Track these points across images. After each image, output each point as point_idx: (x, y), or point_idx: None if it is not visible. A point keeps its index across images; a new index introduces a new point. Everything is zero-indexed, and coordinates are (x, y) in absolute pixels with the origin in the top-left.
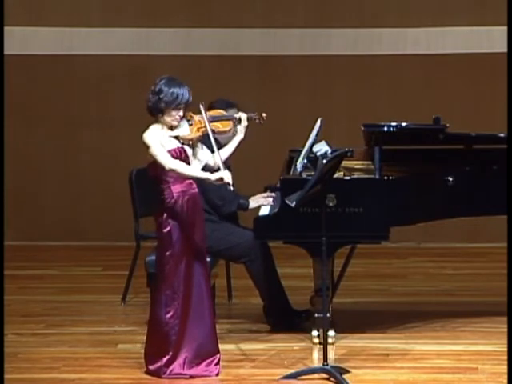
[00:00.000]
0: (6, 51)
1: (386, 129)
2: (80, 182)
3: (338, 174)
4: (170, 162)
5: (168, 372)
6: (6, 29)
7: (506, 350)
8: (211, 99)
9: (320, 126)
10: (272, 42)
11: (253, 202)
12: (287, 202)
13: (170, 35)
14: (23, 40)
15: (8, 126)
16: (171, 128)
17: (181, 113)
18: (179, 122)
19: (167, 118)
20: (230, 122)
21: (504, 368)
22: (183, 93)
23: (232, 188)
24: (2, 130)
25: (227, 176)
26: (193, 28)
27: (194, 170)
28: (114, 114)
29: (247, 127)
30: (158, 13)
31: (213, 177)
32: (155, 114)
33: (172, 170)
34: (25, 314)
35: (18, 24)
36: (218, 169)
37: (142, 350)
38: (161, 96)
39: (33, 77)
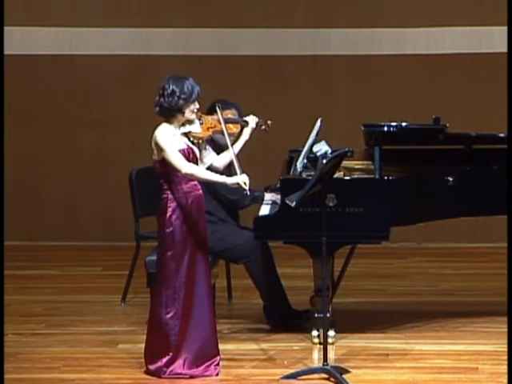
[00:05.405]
0: (6, 51)
1: (386, 129)
2: (80, 181)
3: (338, 174)
4: (185, 166)
5: (168, 372)
6: (6, 29)
7: (506, 350)
8: (211, 99)
9: (320, 126)
10: (272, 42)
11: (268, 195)
12: (287, 202)
13: (170, 35)
14: (23, 40)
15: (8, 126)
16: (183, 125)
17: (197, 105)
18: (196, 114)
19: (187, 114)
20: (238, 125)
21: (504, 368)
22: (194, 84)
23: (248, 193)
24: (2, 130)
25: (244, 180)
26: (193, 28)
27: (210, 173)
28: (113, 114)
29: (254, 130)
30: (158, 13)
31: (229, 180)
32: (174, 113)
33: (188, 174)
34: (25, 314)
35: (17, 24)
36: (229, 171)
37: (143, 350)
38: (178, 94)
39: (33, 77)
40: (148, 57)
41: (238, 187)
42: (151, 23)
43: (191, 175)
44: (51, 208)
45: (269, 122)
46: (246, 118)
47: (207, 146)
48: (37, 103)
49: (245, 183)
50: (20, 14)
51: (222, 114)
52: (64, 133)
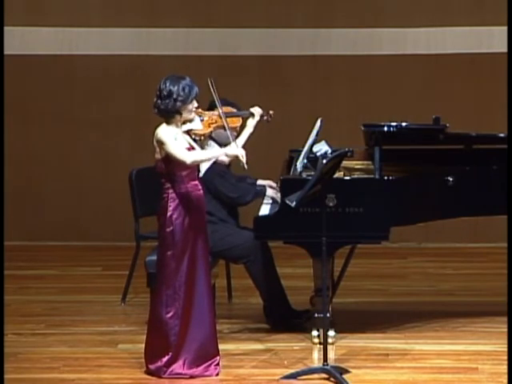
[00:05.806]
0: (6, 51)
1: (386, 129)
2: (80, 182)
3: (338, 174)
4: (187, 156)
5: (168, 372)
6: (6, 29)
7: (506, 350)
8: (211, 99)
9: (320, 126)
10: (272, 42)
11: (270, 190)
12: (287, 202)
13: (170, 35)
14: (23, 40)
15: (8, 126)
16: (184, 124)
17: (195, 104)
18: (195, 113)
19: (185, 114)
20: (240, 119)
21: (504, 368)
22: (191, 85)
23: (246, 166)
24: (2, 130)
25: (241, 153)
26: (193, 28)
27: (209, 151)
28: (114, 114)
29: (258, 122)
30: (157, 13)
31: (229, 151)
32: (172, 115)
33: (193, 162)
34: (25, 314)
35: (17, 24)
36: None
37: (143, 350)
38: (174, 97)
39: (33, 77)
40: (148, 57)
41: (235, 160)
42: (151, 23)
43: (195, 162)
44: (51, 208)
45: (270, 112)
46: (252, 110)
47: (210, 142)
48: (37, 103)
49: (243, 156)
50: (20, 14)
51: (220, 104)
52: (64, 133)
